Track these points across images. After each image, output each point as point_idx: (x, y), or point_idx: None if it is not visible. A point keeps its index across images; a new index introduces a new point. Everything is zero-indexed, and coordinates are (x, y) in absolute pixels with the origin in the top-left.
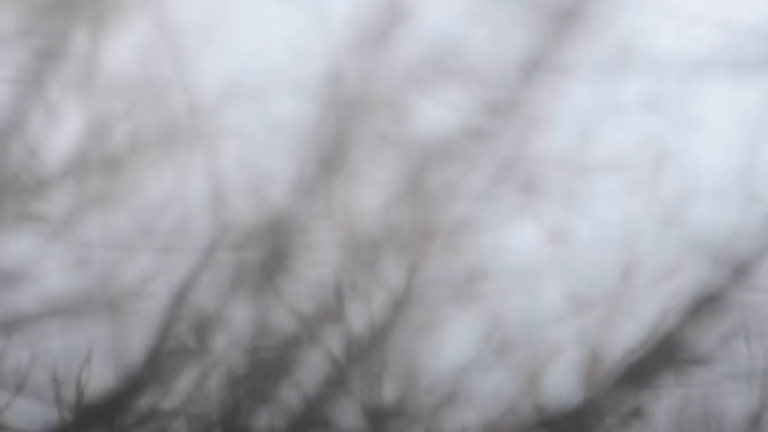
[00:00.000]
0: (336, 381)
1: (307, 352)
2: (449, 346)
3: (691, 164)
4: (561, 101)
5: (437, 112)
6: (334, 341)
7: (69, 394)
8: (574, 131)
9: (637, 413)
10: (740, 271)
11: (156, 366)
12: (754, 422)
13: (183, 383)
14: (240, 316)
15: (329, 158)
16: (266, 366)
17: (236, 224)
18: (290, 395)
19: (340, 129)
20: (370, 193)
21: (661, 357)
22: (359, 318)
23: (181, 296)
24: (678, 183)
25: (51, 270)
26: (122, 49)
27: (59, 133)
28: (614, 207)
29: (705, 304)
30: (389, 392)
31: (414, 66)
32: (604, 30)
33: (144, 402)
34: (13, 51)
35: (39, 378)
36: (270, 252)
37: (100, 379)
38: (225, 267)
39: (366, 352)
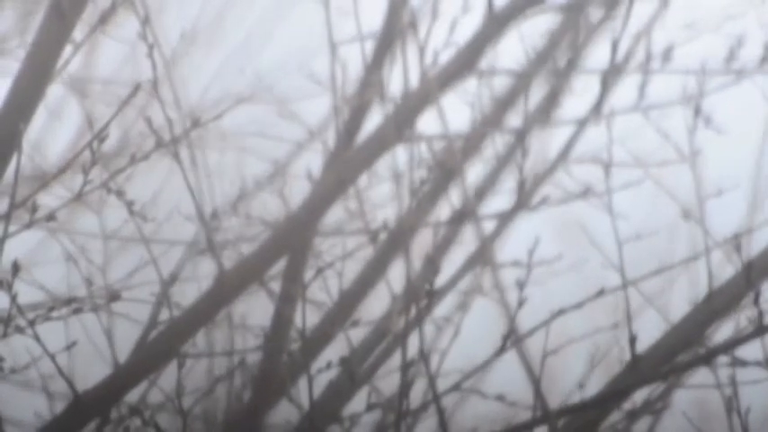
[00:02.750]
0: (351, 376)
1: (322, 347)
2: (462, 339)
3: (708, 161)
4: (579, 99)
5: (455, 108)
6: (348, 335)
7: (63, 386)
8: (593, 129)
9: (656, 406)
10: (760, 264)
11: (150, 359)
12: None
13: (177, 377)
14: (254, 311)
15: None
16: (282, 361)
17: (254, 219)
18: (304, 390)
19: (354, 124)
20: (386, 187)
21: (681, 350)
22: (373, 312)
23: (168, 290)
24: (696, 179)
25: (47, 263)
26: (121, 47)
27: (58, 130)
28: (633, 201)
29: (725, 298)
30: (402, 387)
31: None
32: (621, 31)
33: (136, 394)
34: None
35: (33, 370)
36: (287, 247)
37: (94, 371)
38: (236, 264)
39: (379, 346)
